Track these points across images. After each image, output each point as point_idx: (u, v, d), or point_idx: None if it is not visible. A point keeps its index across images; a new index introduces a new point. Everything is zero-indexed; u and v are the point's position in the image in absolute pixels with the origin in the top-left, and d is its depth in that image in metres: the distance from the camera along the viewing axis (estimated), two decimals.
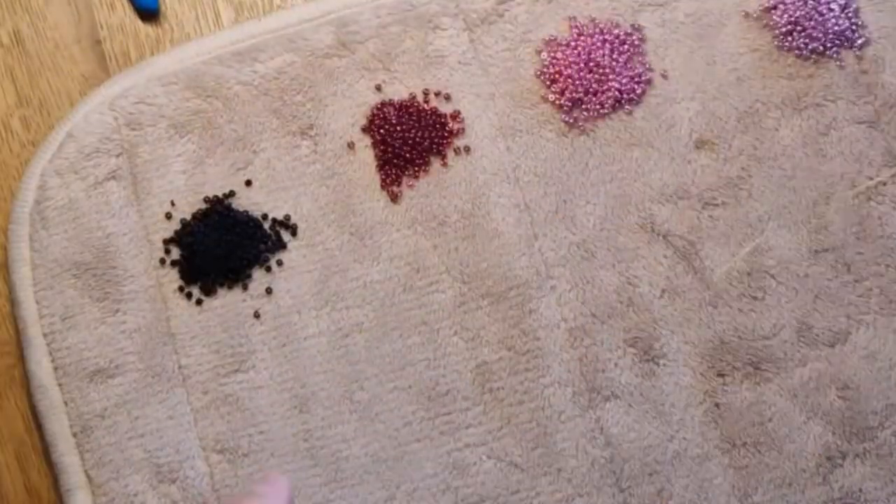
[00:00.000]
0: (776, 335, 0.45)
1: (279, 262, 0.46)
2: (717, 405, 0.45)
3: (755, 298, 0.45)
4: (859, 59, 0.47)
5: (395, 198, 0.47)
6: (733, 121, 0.47)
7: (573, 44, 0.47)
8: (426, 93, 0.47)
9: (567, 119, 0.47)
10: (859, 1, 0.48)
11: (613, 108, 0.47)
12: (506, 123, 0.47)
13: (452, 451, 0.45)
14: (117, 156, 0.47)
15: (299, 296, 0.46)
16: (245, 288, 0.46)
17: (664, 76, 0.47)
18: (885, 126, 0.47)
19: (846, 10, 0.47)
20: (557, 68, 0.47)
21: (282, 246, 0.46)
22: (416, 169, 0.47)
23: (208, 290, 0.46)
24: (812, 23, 0.47)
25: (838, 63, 0.47)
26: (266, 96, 0.47)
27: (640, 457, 0.44)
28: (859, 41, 0.47)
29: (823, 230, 0.46)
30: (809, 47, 0.47)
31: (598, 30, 0.48)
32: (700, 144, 0.47)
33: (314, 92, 0.47)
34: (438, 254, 0.46)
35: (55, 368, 0.45)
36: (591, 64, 0.47)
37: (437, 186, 0.47)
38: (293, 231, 0.46)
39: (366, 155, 0.47)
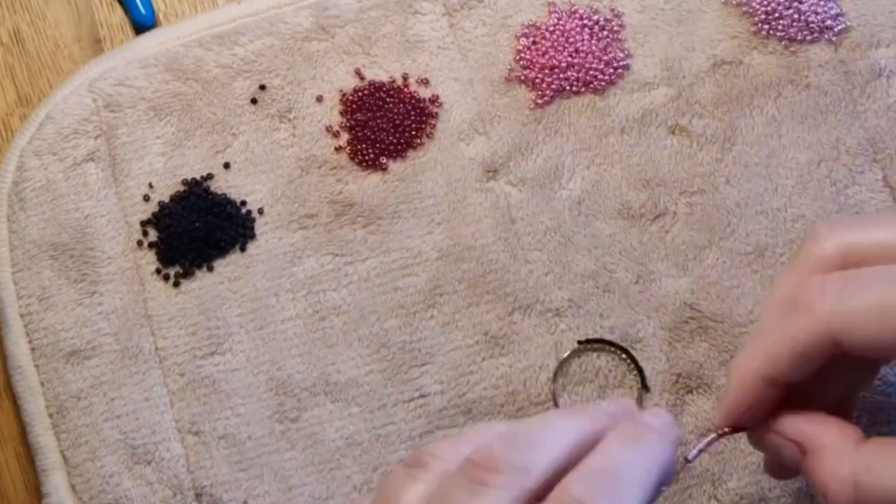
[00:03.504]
0: (752, 322, 0.45)
1: (257, 245, 0.46)
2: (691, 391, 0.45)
3: (732, 286, 0.45)
4: (838, 46, 0.47)
5: (371, 181, 0.47)
6: (710, 107, 0.47)
7: (552, 29, 0.48)
8: (405, 77, 0.47)
9: (545, 105, 0.47)
10: None
11: (591, 94, 0.47)
12: (484, 108, 0.47)
13: (425, 434, 0.45)
14: (96, 137, 0.47)
15: (276, 278, 0.46)
16: (223, 270, 0.46)
17: (643, 62, 0.47)
18: (863, 114, 0.47)
19: None
20: (536, 54, 0.47)
21: (260, 229, 0.46)
22: (393, 153, 0.47)
23: (186, 273, 0.46)
24: (791, 10, 0.47)
25: (817, 51, 0.47)
26: (245, 79, 0.47)
27: None
28: (838, 28, 0.47)
29: (801, 218, 0.46)
30: (788, 35, 0.47)
31: (577, 15, 0.48)
32: (676, 130, 0.47)
33: (293, 75, 0.47)
34: (415, 237, 0.46)
35: (32, 349, 0.46)
36: (571, 49, 0.47)
37: (413, 170, 0.47)
38: (263, 213, 0.46)
39: (344, 139, 0.47)
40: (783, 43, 0.47)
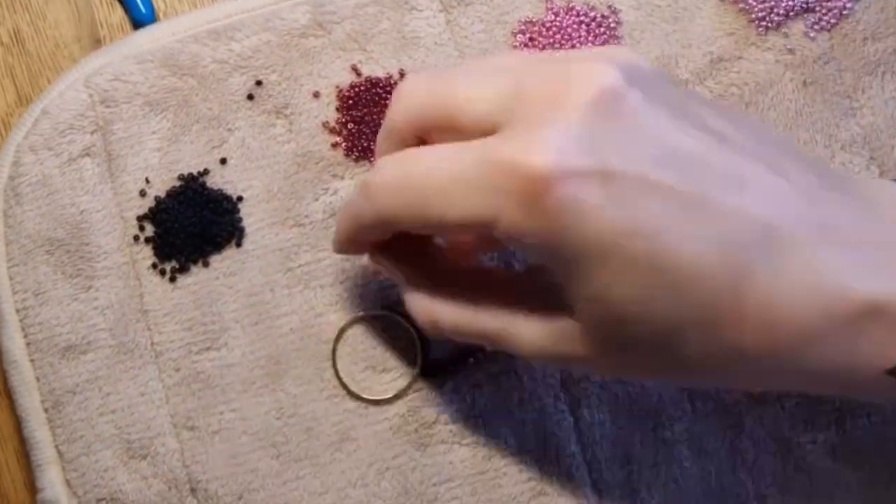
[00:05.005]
0: None
1: (253, 241, 0.46)
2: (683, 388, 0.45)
3: None
4: (834, 42, 0.47)
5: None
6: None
7: (549, 26, 0.48)
8: (402, 73, 0.47)
9: None
10: None
11: None
12: None
13: (420, 429, 0.45)
14: (92, 133, 0.47)
15: (272, 274, 0.46)
16: (218, 266, 0.46)
17: None
18: (859, 111, 0.47)
19: None
20: (533, 50, 0.47)
21: (256, 224, 0.46)
22: None
23: (182, 268, 0.46)
24: (787, 7, 0.47)
25: (813, 47, 0.47)
26: (241, 75, 0.47)
27: (612, 440, 0.45)
28: (834, 24, 0.47)
29: None
30: (784, 31, 0.47)
31: (574, 12, 0.48)
32: None
33: (289, 71, 0.47)
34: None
35: (28, 344, 0.45)
36: (567, 46, 0.47)
37: None
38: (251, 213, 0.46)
39: (341, 135, 0.47)
40: (780, 40, 0.47)
